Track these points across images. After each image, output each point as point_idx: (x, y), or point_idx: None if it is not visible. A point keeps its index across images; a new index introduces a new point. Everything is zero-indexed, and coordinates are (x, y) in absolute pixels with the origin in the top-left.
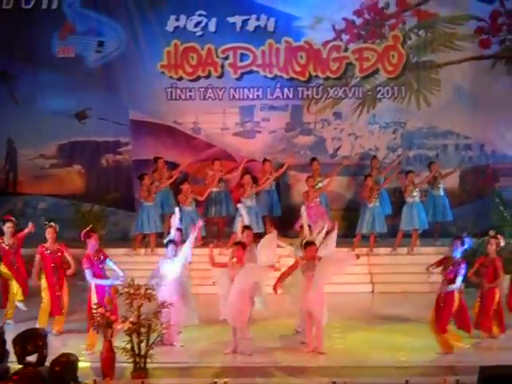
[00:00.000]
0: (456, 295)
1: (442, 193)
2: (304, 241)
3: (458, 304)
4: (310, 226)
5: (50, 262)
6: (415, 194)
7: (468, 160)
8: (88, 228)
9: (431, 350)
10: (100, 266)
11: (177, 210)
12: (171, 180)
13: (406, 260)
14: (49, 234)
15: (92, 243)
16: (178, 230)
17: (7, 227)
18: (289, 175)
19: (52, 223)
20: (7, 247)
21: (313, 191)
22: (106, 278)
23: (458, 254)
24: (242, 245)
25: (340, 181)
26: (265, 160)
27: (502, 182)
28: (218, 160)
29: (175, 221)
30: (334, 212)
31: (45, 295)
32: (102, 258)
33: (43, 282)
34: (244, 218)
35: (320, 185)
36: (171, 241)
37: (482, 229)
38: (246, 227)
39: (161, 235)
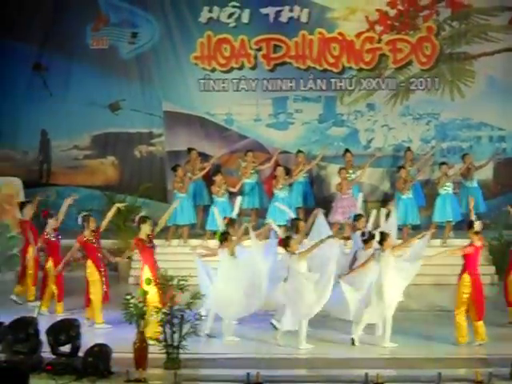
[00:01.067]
0: None
1: (475, 184)
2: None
3: None
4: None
5: (96, 252)
6: (448, 185)
7: (502, 152)
8: (142, 214)
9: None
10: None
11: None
12: (204, 171)
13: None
14: (92, 222)
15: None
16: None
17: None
18: (322, 167)
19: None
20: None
21: (346, 183)
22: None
23: None
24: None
25: (374, 173)
26: (298, 151)
27: None
28: (250, 151)
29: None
30: (370, 204)
31: (96, 288)
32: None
33: (91, 274)
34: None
35: (353, 176)
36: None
37: None
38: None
39: (193, 226)
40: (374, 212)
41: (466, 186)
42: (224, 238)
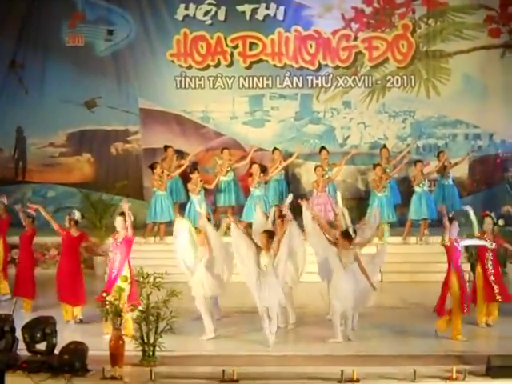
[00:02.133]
0: None
1: (451, 182)
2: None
3: None
4: None
5: None
6: (424, 183)
7: (477, 149)
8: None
9: (440, 338)
10: None
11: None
12: (182, 168)
13: (415, 249)
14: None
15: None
16: None
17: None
18: (298, 164)
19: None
20: None
21: (322, 180)
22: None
23: None
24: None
25: (349, 170)
26: (274, 149)
27: (511, 172)
28: (226, 149)
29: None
30: (344, 201)
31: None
32: None
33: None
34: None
35: (329, 173)
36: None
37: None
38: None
39: (169, 223)
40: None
41: (442, 183)
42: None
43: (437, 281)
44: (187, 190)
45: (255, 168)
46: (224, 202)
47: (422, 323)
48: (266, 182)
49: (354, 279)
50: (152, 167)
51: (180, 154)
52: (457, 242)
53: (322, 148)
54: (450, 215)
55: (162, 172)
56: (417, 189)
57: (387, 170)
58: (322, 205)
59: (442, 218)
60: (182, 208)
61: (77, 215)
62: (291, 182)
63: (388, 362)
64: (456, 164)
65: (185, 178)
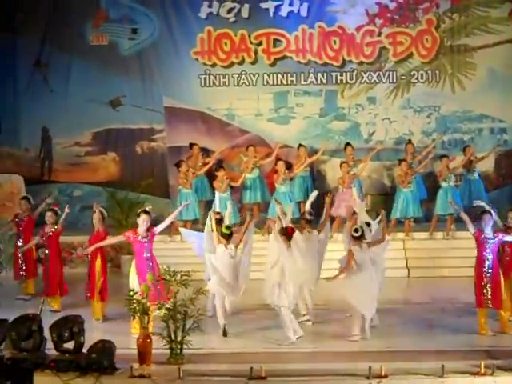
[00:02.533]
0: None
1: (477, 177)
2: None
3: None
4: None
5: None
6: (450, 178)
7: (503, 143)
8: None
9: (468, 333)
10: None
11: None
12: (207, 166)
13: (442, 244)
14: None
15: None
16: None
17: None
18: (323, 161)
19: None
20: None
21: (348, 177)
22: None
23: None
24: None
25: (375, 166)
26: (299, 145)
27: None
28: (252, 146)
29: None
30: (371, 197)
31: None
32: None
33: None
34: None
35: (354, 170)
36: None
37: None
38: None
39: (195, 221)
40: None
41: (468, 178)
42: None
43: (464, 276)
44: (213, 188)
45: (280, 165)
46: (250, 199)
47: (449, 318)
48: (291, 179)
49: (369, 278)
50: (178, 165)
51: (205, 152)
52: (484, 235)
53: (347, 144)
54: (487, 208)
55: (188, 170)
56: (443, 184)
57: (412, 166)
58: (348, 201)
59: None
60: (208, 206)
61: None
62: (316, 178)
63: (416, 357)
64: (482, 158)
65: (211, 175)
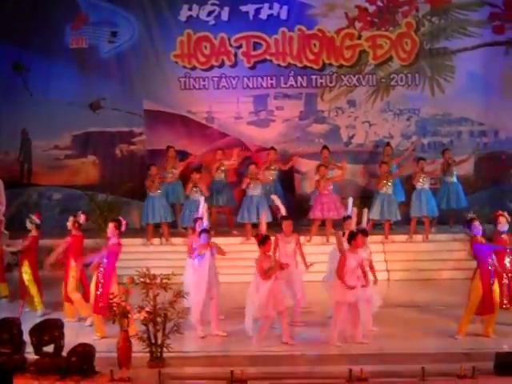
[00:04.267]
0: None
1: (455, 180)
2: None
3: None
4: None
5: None
6: (424, 180)
7: (482, 146)
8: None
9: (449, 336)
10: None
11: (202, 198)
12: (179, 170)
13: (422, 247)
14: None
15: None
16: (199, 219)
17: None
18: (303, 164)
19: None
20: None
21: (324, 180)
22: None
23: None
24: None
25: (354, 168)
26: (270, 148)
27: None
28: (220, 150)
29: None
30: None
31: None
32: None
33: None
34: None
35: (331, 173)
36: (204, 230)
37: None
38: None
39: (172, 225)
40: (365, 211)
41: (446, 181)
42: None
43: (443, 278)
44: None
45: (252, 168)
46: (216, 202)
47: (430, 321)
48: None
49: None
50: (147, 169)
51: (185, 155)
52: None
53: (324, 147)
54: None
55: (156, 174)
56: (417, 186)
57: (391, 169)
58: (326, 204)
59: None
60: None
61: (82, 218)
62: (295, 181)
63: (396, 360)
64: (460, 162)
65: (187, 179)
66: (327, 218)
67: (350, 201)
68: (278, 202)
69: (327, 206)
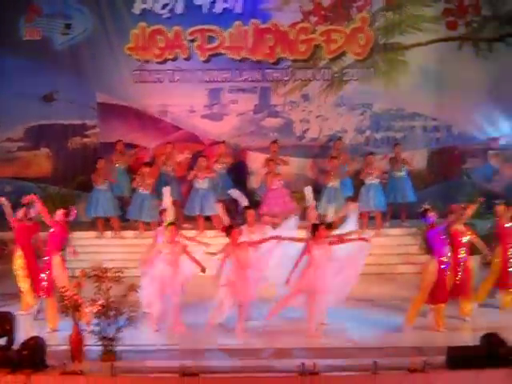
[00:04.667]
0: None
1: (404, 174)
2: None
3: None
4: None
5: None
6: (372, 175)
7: (435, 142)
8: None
9: (400, 331)
10: None
11: (167, 189)
12: (116, 163)
13: (374, 242)
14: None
15: None
16: (164, 210)
17: None
18: (255, 157)
19: None
20: None
21: (272, 174)
22: None
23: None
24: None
25: (306, 162)
26: (219, 142)
27: (468, 164)
28: (169, 143)
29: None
30: (298, 194)
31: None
32: None
33: None
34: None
35: (279, 167)
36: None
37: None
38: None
39: (122, 218)
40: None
41: (394, 175)
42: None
43: (396, 273)
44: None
45: (201, 161)
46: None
47: (382, 315)
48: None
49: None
50: (95, 162)
51: (138, 148)
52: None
53: (273, 141)
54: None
55: (102, 167)
56: (366, 181)
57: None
58: (272, 198)
59: None
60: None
61: (73, 213)
62: (247, 174)
63: (349, 354)
64: (406, 162)
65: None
66: (275, 213)
67: (309, 190)
68: (236, 194)
69: (275, 202)
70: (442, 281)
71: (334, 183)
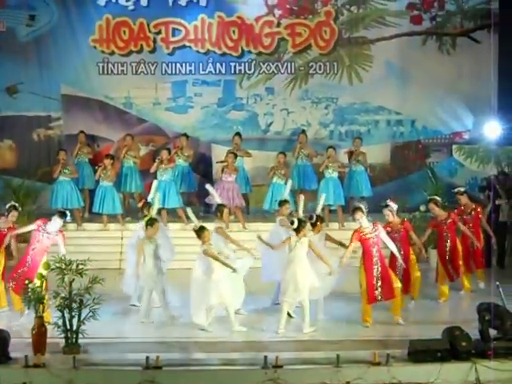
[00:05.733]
0: None
1: (361, 168)
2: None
3: None
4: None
5: None
6: (331, 169)
7: (399, 136)
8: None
9: (362, 323)
10: None
11: (154, 183)
12: (78, 155)
13: (337, 235)
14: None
15: None
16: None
17: None
18: (220, 150)
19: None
20: None
21: (230, 167)
22: None
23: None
24: None
25: (270, 156)
26: (183, 134)
27: (432, 158)
28: (129, 135)
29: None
30: (256, 188)
31: None
32: None
33: None
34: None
35: (240, 161)
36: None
37: (414, 204)
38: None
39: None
40: (302, 197)
41: (352, 169)
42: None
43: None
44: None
45: (164, 153)
46: (124, 189)
47: (344, 308)
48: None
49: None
50: (56, 153)
51: (103, 141)
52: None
53: (236, 134)
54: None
55: (63, 159)
56: (325, 174)
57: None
58: (225, 191)
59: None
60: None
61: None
62: (211, 168)
63: (311, 347)
64: (361, 153)
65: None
66: (234, 205)
67: (289, 184)
68: (211, 189)
69: (232, 194)
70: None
71: (278, 179)
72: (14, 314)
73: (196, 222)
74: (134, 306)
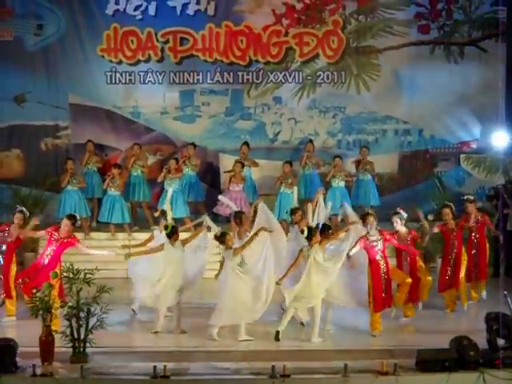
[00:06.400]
0: None
1: (369, 177)
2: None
3: None
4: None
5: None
6: (339, 178)
7: (407, 145)
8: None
9: (370, 333)
10: None
11: (170, 190)
12: (87, 165)
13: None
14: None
15: None
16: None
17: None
18: (227, 159)
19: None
20: None
21: (237, 176)
22: None
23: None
24: None
25: (277, 165)
26: (190, 144)
27: (440, 167)
28: (136, 144)
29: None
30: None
31: None
32: None
33: None
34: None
35: (247, 170)
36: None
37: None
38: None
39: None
40: (309, 206)
41: (359, 178)
42: (173, 231)
43: None
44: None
45: (172, 163)
46: (132, 198)
47: (352, 317)
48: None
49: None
50: (65, 163)
51: (111, 150)
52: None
53: (244, 143)
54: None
55: (71, 168)
56: (332, 184)
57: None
58: (236, 200)
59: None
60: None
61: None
62: (219, 177)
63: (319, 356)
64: (368, 162)
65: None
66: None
67: (295, 191)
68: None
69: (239, 203)
70: (380, 288)
71: (284, 188)
72: (22, 322)
73: (216, 229)
74: (134, 311)
